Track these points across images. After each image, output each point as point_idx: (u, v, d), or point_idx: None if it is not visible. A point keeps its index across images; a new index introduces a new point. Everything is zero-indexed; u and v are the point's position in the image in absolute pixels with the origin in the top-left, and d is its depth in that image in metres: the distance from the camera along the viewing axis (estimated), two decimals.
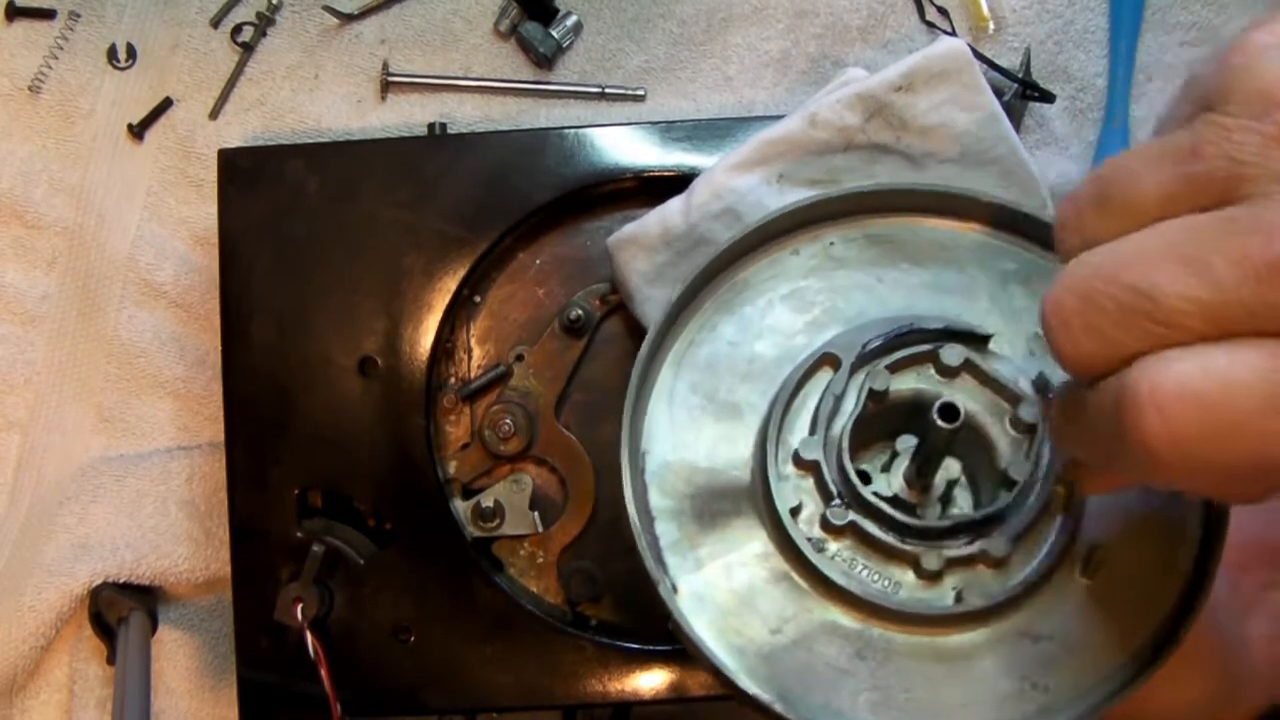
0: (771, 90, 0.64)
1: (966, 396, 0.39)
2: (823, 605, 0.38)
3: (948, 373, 0.39)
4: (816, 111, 0.53)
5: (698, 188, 0.54)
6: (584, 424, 0.58)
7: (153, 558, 0.61)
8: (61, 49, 0.66)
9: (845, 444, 0.39)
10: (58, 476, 0.63)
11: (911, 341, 0.40)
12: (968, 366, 0.39)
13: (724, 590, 0.39)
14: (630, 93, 0.65)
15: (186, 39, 0.66)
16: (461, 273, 0.57)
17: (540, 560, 0.57)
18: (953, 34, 0.63)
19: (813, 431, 0.39)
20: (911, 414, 0.40)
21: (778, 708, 0.36)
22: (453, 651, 0.55)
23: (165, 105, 0.66)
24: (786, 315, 0.43)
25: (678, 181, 0.56)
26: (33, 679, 0.62)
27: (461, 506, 0.57)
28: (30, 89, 0.66)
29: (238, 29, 0.66)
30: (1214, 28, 0.64)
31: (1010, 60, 0.63)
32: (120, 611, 0.60)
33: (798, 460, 0.39)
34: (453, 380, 0.58)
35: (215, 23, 0.67)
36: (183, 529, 0.61)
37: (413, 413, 0.56)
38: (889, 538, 0.38)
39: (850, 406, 0.39)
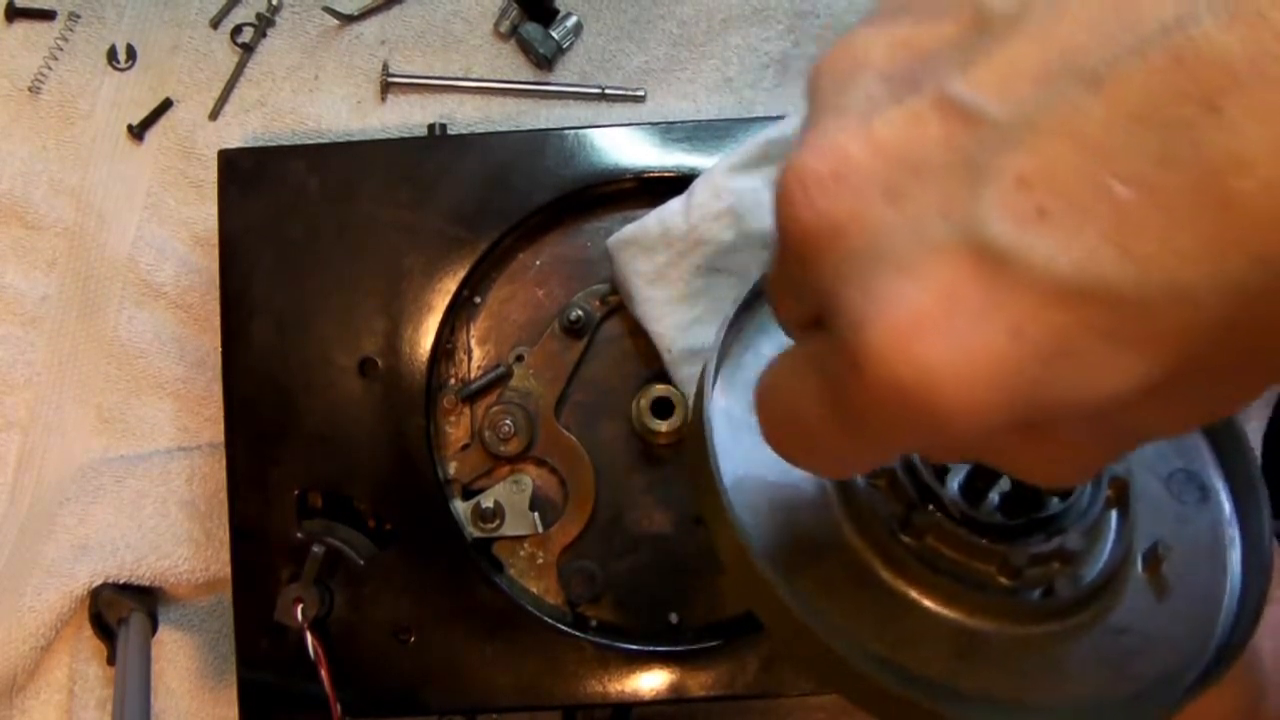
0: (771, 91, 0.64)
1: None
2: (920, 608, 0.38)
3: None
4: None
5: (698, 188, 0.54)
6: (584, 424, 0.58)
7: (153, 558, 0.61)
8: (61, 50, 0.66)
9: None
10: (58, 477, 0.63)
11: None
12: None
13: (823, 600, 0.39)
14: (630, 93, 0.65)
15: (186, 40, 0.66)
16: (461, 273, 0.57)
17: (540, 560, 0.57)
18: None
19: None
20: None
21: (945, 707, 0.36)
22: (453, 651, 0.55)
23: (165, 106, 0.66)
24: None
25: (678, 182, 0.56)
26: (33, 679, 0.62)
27: (461, 507, 0.57)
28: (30, 90, 0.66)
29: (238, 30, 0.66)
30: None
31: None
32: (120, 612, 0.60)
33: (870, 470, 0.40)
34: (453, 381, 0.58)
35: (215, 23, 0.67)
36: (183, 529, 0.61)
37: (413, 413, 0.56)
38: (973, 537, 0.38)
39: None
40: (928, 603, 0.38)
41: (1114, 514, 0.39)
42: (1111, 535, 0.39)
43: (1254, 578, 0.38)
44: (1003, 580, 0.38)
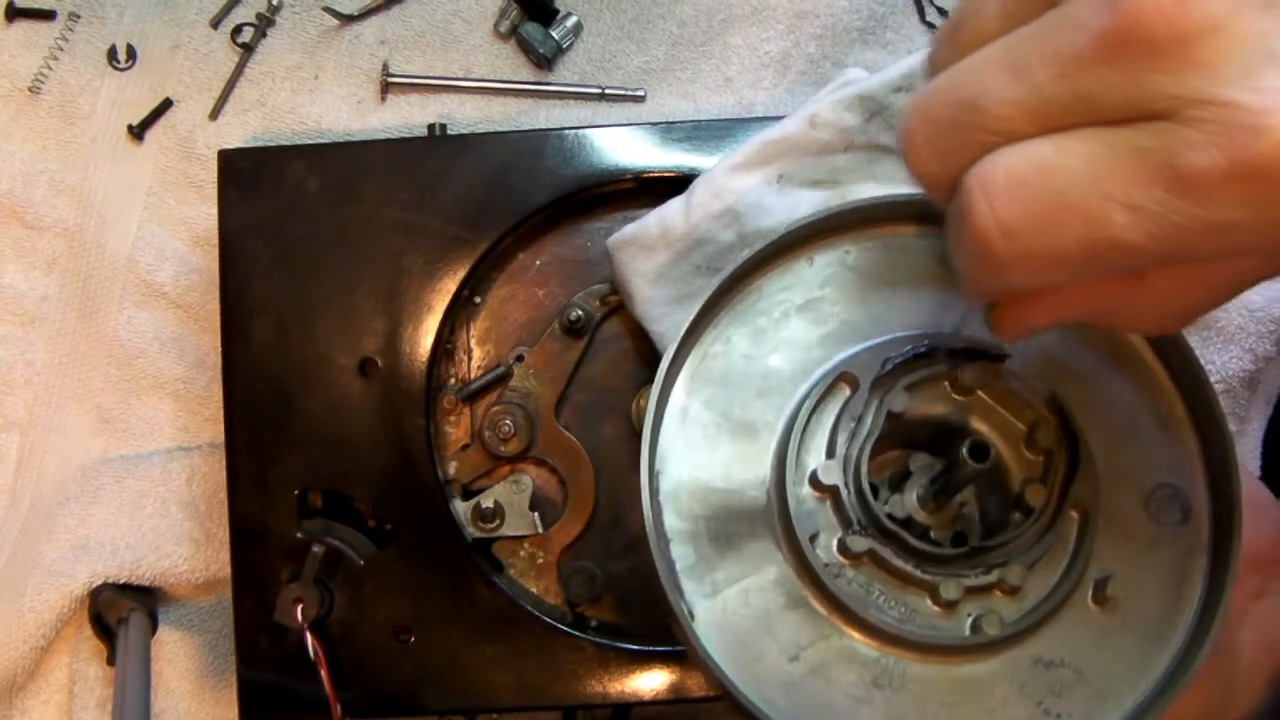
0: (771, 91, 0.64)
1: (980, 416, 0.39)
2: (840, 632, 0.38)
3: (964, 390, 0.39)
4: (817, 112, 0.53)
5: (698, 188, 0.54)
6: (584, 424, 0.58)
7: (153, 558, 0.61)
8: (61, 50, 0.66)
9: (864, 469, 0.38)
10: (58, 477, 0.63)
11: (930, 361, 0.40)
12: (984, 387, 0.39)
13: (741, 616, 0.38)
14: (630, 93, 0.65)
15: (186, 40, 0.66)
16: (461, 273, 0.57)
17: (540, 561, 0.57)
18: None
19: (830, 454, 0.39)
20: (928, 433, 0.40)
21: None
22: (453, 652, 0.55)
23: (165, 106, 0.66)
24: (802, 327, 0.42)
25: (678, 182, 0.56)
26: (33, 679, 0.62)
27: (461, 507, 0.57)
28: (30, 90, 0.66)
29: (238, 30, 0.66)
30: None
31: None
32: (120, 612, 0.60)
33: (815, 483, 0.39)
34: (453, 381, 0.58)
35: (215, 23, 0.67)
36: (183, 529, 0.61)
37: (413, 413, 0.56)
38: (907, 565, 0.37)
39: (868, 429, 0.39)
40: (850, 630, 0.38)
41: (1071, 545, 0.38)
42: (1061, 568, 0.38)
43: (1209, 616, 0.37)
44: (934, 609, 0.37)
